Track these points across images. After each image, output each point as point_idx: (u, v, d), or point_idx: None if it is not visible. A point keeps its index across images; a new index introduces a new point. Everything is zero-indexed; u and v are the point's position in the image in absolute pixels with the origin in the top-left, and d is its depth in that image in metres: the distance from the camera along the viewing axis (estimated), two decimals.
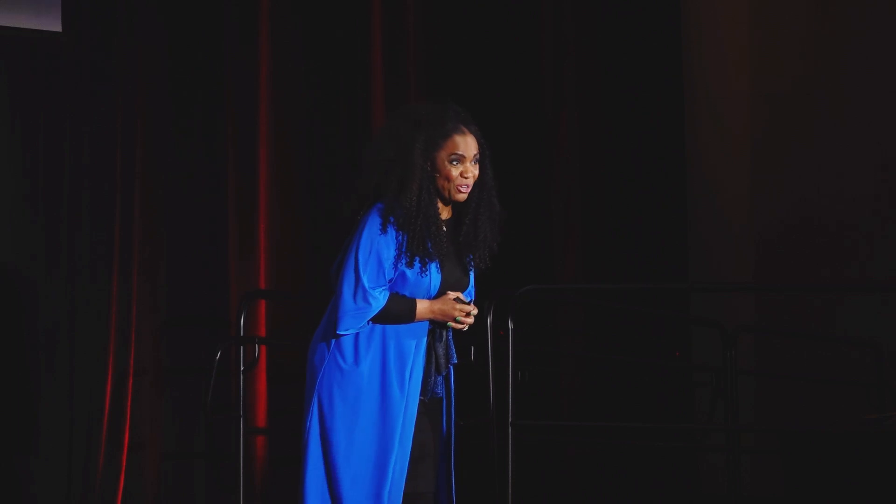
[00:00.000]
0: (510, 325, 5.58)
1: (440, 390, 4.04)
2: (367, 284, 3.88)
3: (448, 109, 4.06)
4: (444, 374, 4.04)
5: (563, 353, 7.82)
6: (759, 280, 8.14)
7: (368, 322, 3.92)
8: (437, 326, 4.01)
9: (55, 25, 6.57)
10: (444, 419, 4.07)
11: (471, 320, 4.00)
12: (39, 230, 6.54)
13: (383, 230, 3.91)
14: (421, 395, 3.99)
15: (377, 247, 3.91)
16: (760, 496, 7.59)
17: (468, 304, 4.01)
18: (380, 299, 3.90)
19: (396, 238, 3.92)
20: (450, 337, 4.05)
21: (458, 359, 4.08)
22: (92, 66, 6.68)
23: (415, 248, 3.92)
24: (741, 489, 6.71)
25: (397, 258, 3.92)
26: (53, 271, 6.54)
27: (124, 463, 6.54)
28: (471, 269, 4.11)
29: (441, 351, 4.02)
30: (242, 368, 6.34)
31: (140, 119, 6.74)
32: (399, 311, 3.93)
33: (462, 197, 3.99)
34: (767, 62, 8.23)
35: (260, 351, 6.44)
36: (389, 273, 3.93)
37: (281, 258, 7.00)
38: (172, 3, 6.89)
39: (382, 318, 3.93)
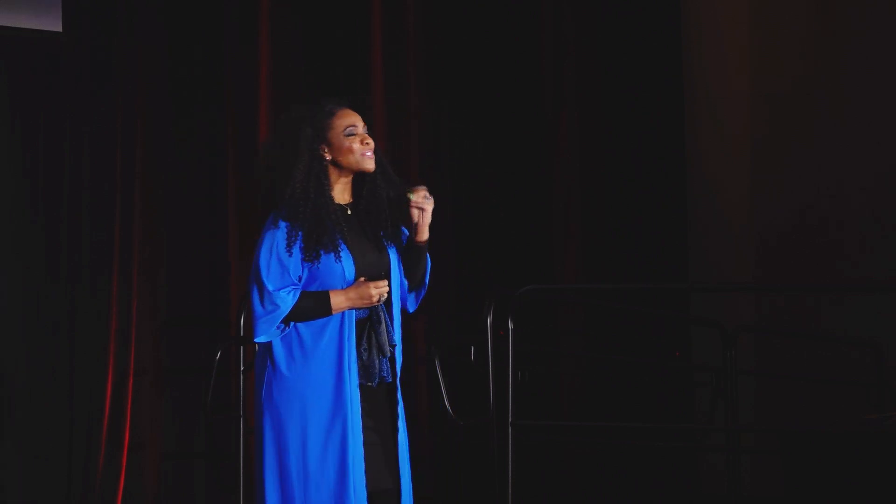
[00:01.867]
0: (510, 325, 5.58)
1: (387, 374, 4.04)
2: (270, 288, 3.91)
3: (322, 99, 4.12)
4: (388, 356, 4.03)
5: (563, 353, 7.82)
6: (759, 280, 8.14)
7: (285, 325, 3.94)
8: (371, 308, 4.00)
9: (55, 25, 6.58)
10: (391, 406, 4.05)
11: (385, 289, 3.98)
12: (39, 230, 6.54)
13: (276, 228, 3.94)
14: (368, 381, 3.99)
15: (275, 249, 3.93)
16: (760, 496, 7.59)
17: (382, 280, 4.00)
18: (287, 300, 3.92)
19: (293, 235, 3.93)
20: (388, 319, 4.04)
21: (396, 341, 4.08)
22: (92, 66, 6.68)
23: (310, 239, 3.93)
24: (741, 489, 6.71)
25: (299, 254, 3.93)
26: (53, 271, 6.55)
27: (124, 463, 6.54)
28: (390, 247, 4.10)
29: (382, 333, 4.01)
30: (242, 368, 6.34)
31: (140, 119, 6.74)
32: (312, 307, 3.94)
33: (371, 164, 4.03)
34: (767, 62, 8.22)
35: None
36: (296, 271, 3.94)
37: None
38: (172, 3, 6.89)
39: (297, 317, 3.94)
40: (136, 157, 6.72)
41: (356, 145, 4.03)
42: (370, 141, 4.06)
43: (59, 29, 6.58)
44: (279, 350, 3.96)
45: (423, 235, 4.08)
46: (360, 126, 4.07)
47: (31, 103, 6.55)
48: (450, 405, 5.77)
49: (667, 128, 8.11)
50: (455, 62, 7.64)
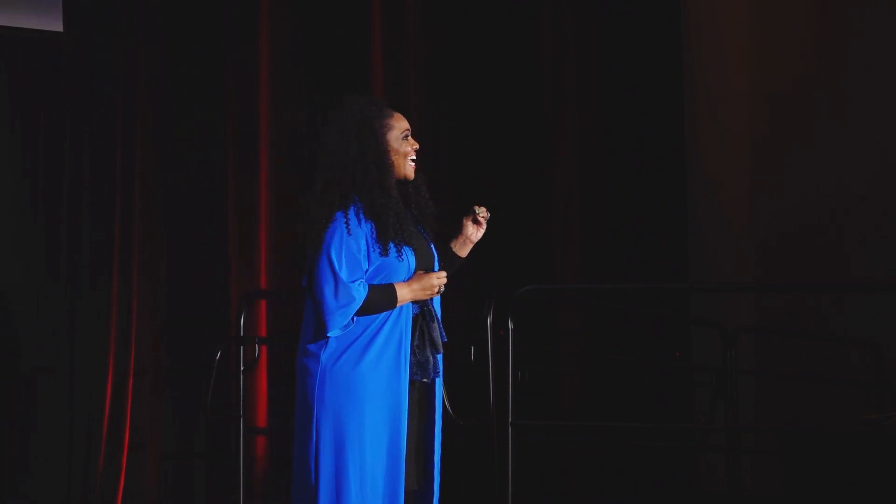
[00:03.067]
0: (510, 325, 5.58)
1: (440, 371, 4.06)
2: (345, 280, 3.88)
3: (372, 97, 4.14)
4: (441, 352, 4.05)
5: (563, 353, 7.82)
6: (759, 280, 8.14)
7: (354, 318, 3.91)
8: (423, 304, 4.02)
9: (56, 25, 6.57)
10: (429, 404, 4.06)
11: (445, 280, 4.04)
12: (39, 230, 6.54)
13: (349, 225, 3.92)
14: (423, 377, 4.00)
15: (346, 242, 3.91)
16: (760, 496, 7.59)
17: (442, 272, 4.06)
18: (361, 292, 3.91)
19: (364, 230, 3.94)
20: (437, 315, 4.07)
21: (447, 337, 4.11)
22: (92, 66, 6.68)
23: (389, 235, 3.94)
24: (741, 489, 6.71)
25: (369, 249, 3.94)
26: (54, 271, 6.55)
27: (124, 463, 6.54)
28: (429, 239, 4.14)
29: (435, 328, 4.04)
30: (242, 368, 6.34)
31: (140, 119, 6.74)
32: (381, 299, 3.94)
33: (412, 171, 4.09)
34: (767, 62, 8.22)
35: (260, 351, 6.45)
36: (364, 265, 3.93)
37: (281, 258, 7.00)
38: (172, 3, 6.89)
39: (366, 310, 3.93)
40: (136, 156, 6.72)
41: (409, 149, 4.08)
42: (416, 146, 4.11)
43: (60, 29, 6.58)
44: (334, 344, 3.93)
45: (466, 250, 4.19)
46: (411, 130, 4.12)
47: (31, 103, 6.55)
48: (450, 405, 5.77)
49: (667, 128, 8.11)
50: (455, 62, 7.65)
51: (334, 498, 3.89)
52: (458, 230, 4.19)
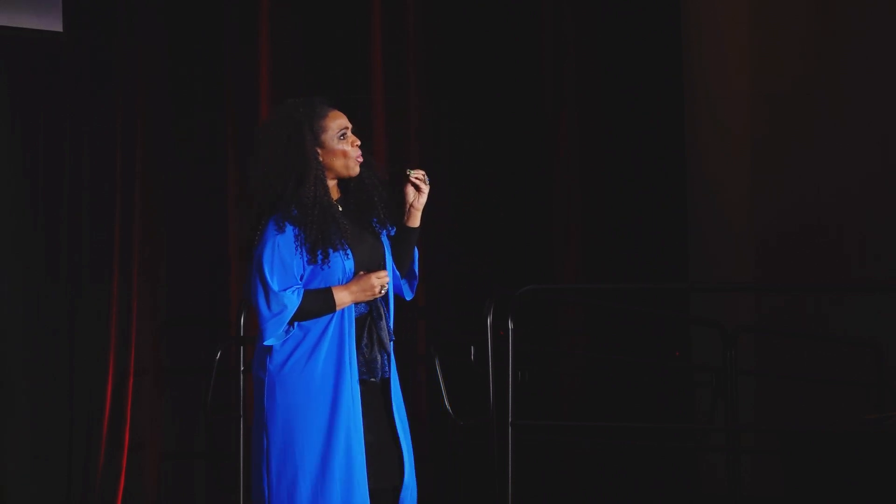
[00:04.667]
0: (510, 325, 5.58)
1: (387, 369, 4.02)
2: (276, 288, 3.89)
3: (312, 97, 4.07)
4: (388, 351, 4.02)
5: (563, 353, 7.82)
6: (759, 280, 8.14)
7: (291, 325, 3.92)
8: (371, 303, 3.99)
9: (56, 25, 6.57)
10: (394, 402, 4.02)
11: (386, 279, 3.98)
12: (40, 230, 6.54)
13: (281, 232, 3.91)
14: (371, 376, 3.98)
15: (278, 250, 3.91)
16: (760, 496, 7.59)
17: (382, 271, 4.00)
18: (293, 299, 3.90)
19: (296, 236, 3.92)
20: (386, 313, 4.03)
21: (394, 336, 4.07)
22: (92, 66, 6.68)
23: (315, 241, 3.92)
24: (741, 489, 6.71)
25: (302, 255, 3.92)
26: (54, 271, 6.55)
27: (124, 463, 6.54)
28: (381, 232, 4.09)
29: (383, 327, 4.00)
30: (242, 368, 6.34)
31: (140, 119, 6.74)
32: (318, 304, 3.93)
33: (357, 168, 4.03)
34: (767, 62, 8.22)
35: None
36: (298, 271, 3.92)
37: None
38: (172, 3, 6.89)
39: (303, 315, 3.92)
40: (136, 156, 6.72)
41: (348, 148, 4.02)
42: (358, 142, 4.04)
43: (60, 29, 6.58)
44: (279, 351, 3.94)
45: (417, 219, 4.08)
46: (349, 128, 4.05)
47: (31, 103, 6.55)
48: (450, 405, 5.77)
49: (667, 128, 8.11)
50: (455, 62, 7.65)
51: (286, 499, 3.88)
52: (402, 202, 4.09)
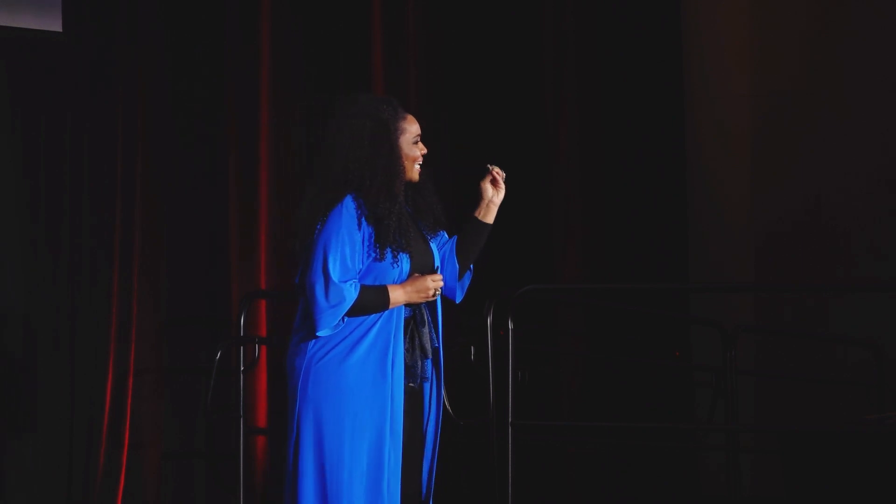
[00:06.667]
0: (510, 325, 5.58)
1: (430, 376, 4.02)
2: (336, 280, 3.86)
3: (387, 98, 4.12)
4: (430, 357, 4.01)
5: (563, 353, 7.82)
6: (759, 280, 8.14)
7: (344, 318, 3.90)
8: (415, 308, 3.99)
9: (55, 25, 6.57)
10: (429, 408, 4.03)
11: (440, 283, 4.00)
12: (40, 230, 6.54)
13: (347, 225, 3.90)
14: (410, 382, 3.97)
15: (342, 242, 3.89)
16: (760, 496, 7.59)
17: (437, 274, 4.02)
18: (352, 292, 3.88)
19: (363, 232, 3.91)
20: (429, 319, 4.03)
21: (440, 343, 4.06)
22: (92, 66, 6.68)
23: (388, 241, 3.92)
24: (741, 489, 6.71)
25: (367, 251, 3.92)
26: (54, 271, 6.54)
27: (124, 463, 6.54)
28: (431, 239, 4.11)
29: (425, 333, 4.00)
30: (242, 368, 6.34)
31: (140, 118, 6.74)
32: (373, 301, 3.91)
33: (417, 175, 4.07)
34: (767, 62, 8.23)
35: (260, 351, 6.45)
36: (358, 265, 3.91)
37: (281, 258, 7.00)
38: (173, 3, 6.89)
39: (357, 310, 3.90)
40: (137, 155, 6.72)
41: (418, 153, 4.06)
42: (425, 150, 4.09)
43: (59, 29, 6.58)
44: (322, 342, 3.91)
45: (492, 215, 4.14)
46: (420, 134, 4.10)
47: (31, 103, 6.55)
48: (450, 405, 5.76)
49: (667, 127, 8.11)
50: (455, 62, 7.65)
51: (313, 495, 3.87)
52: (478, 197, 4.14)
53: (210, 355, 6.24)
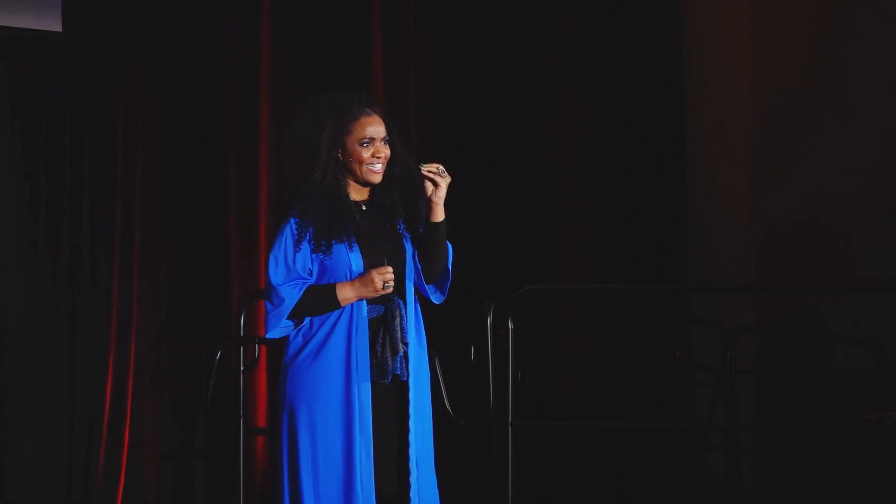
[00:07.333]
0: (510, 325, 5.58)
1: (401, 372, 3.98)
2: (275, 283, 3.94)
3: (352, 95, 4.08)
4: (401, 354, 3.98)
5: (563, 353, 7.82)
6: (759, 280, 8.14)
7: (298, 319, 3.96)
8: (387, 305, 3.98)
9: (55, 25, 6.57)
10: (411, 406, 3.99)
11: (389, 276, 3.95)
12: (40, 230, 6.54)
13: (290, 225, 3.97)
14: (380, 378, 3.95)
15: (284, 244, 3.96)
16: (760, 496, 7.59)
17: (384, 266, 3.97)
18: (293, 294, 3.93)
19: (299, 226, 3.96)
20: (403, 315, 4.01)
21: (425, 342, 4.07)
22: (92, 66, 6.68)
23: (319, 230, 3.94)
24: (741, 489, 6.71)
25: (308, 247, 3.95)
26: (54, 271, 6.54)
27: (124, 463, 6.54)
28: (406, 239, 4.08)
29: (396, 331, 3.98)
30: (242, 368, 6.34)
31: (140, 118, 6.74)
32: (319, 299, 3.95)
33: (376, 178, 4.03)
34: (767, 62, 8.23)
35: (260, 351, 6.45)
36: (304, 266, 3.96)
37: None
38: (173, 3, 6.89)
39: (305, 310, 3.96)
40: (137, 156, 6.72)
41: (366, 155, 4.00)
42: (383, 153, 4.02)
43: (59, 29, 6.58)
44: (293, 342, 3.98)
45: (438, 213, 4.05)
46: (380, 136, 4.02)
47: (31, 103, 6.55)
48: (450, 405, 5.76)
49: (667, 127, 8.11)
50: (455, 62, 7.65)
51: (289, 494, 3.93)
52: (422, 195, 4.09)
53: (210, 355, 6.24)
